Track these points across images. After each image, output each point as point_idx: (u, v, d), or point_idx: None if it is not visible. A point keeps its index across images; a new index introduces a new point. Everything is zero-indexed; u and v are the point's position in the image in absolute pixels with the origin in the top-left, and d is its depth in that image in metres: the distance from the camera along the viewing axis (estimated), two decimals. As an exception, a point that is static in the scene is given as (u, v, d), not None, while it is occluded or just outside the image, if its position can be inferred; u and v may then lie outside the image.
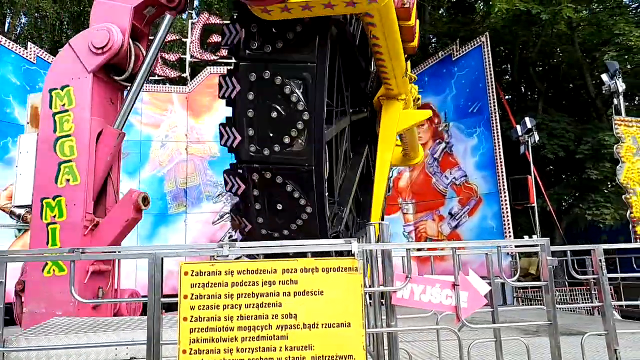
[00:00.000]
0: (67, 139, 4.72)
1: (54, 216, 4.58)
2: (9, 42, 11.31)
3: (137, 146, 12.61)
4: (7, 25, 16.35)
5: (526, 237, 10.09)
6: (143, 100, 13.00)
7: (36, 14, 15.92)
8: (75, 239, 4.58)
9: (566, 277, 11.28)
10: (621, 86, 11.59)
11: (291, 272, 2.96)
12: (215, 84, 16.40)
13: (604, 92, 12.23)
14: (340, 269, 2.97)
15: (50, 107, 4.75)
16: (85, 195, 4.67)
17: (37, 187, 4.65)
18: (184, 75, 13.91)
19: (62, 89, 4.79)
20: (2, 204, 10.63)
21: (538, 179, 12.55)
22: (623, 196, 10.83)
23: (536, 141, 12.51)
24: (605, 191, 14.66)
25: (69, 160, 4.68)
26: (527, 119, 12.32)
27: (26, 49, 11.60)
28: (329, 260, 3.06)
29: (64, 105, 4.77)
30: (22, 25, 16.34)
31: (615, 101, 11.75)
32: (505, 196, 11.39)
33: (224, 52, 14.20)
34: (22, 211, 11.02)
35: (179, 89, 13.59)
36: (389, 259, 3.49)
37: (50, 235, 4.56)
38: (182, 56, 14.26)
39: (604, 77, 11.93)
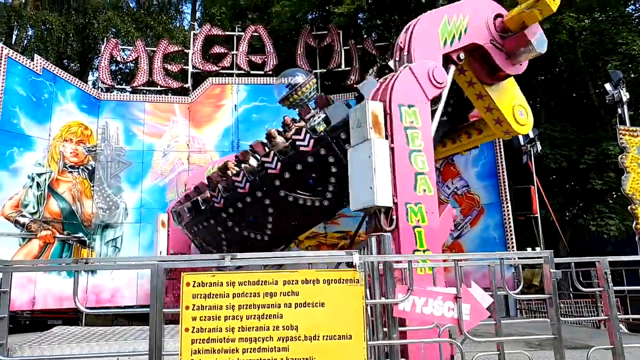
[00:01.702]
0: (419, 153, 5.33)
1: (418, 220, 5.08)
2: (16, 54, 11.42)
3: (139, 156, 12.68)
4: (14, 37, 16.60)
5: (529, 249, 9.95)
6: (145, 111, 13.12)
7: (42, 27, 16.15)
8: (436, 244, 5.16)
9: (571, 289, 11.17)
10: (625, 95, 11.51)
11: (292, 284, 2.98)
12: (217, 94, 16.21)
13: (607, 101, 12.12)
14: (342, 280, 2.98)
15: (401, 120, 5.35)
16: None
17: (400, 192, 5.11)
18: (186, 85, 14.00)
19: (409, 107, 5.44)
20: (7, 213, 10.59)
21: (541, 189, 12.50)
22: (629, 207, 10.59)
23: (538, 151, 12.39)
24: (610, 201, 14.37)
25: (423, 173, 5.26)
26: (529, 129, 12.33)
27: (33, 60, 11.70)
28: (331, 272, 3.07)
29: (412, 122, 5.40)
30: (28, 37, 16.56)
31: (619, 110, 11.60)
32: (507, 206, 11.29)
33: (225, 63, 14.34)
34: (26, 220, 10.97)
35: (181, 99, 13.67)
36: (391, 270, 3.50)
37: (417, 238, 5.04)
38: (184, 67, 14.35)
39: (607, 86, 11.81)
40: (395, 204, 5.05)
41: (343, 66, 14.39)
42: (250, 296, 2.95)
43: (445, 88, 5.86)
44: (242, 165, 8.68)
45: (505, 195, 11.29)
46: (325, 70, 14.52)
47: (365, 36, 16.72)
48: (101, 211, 12.04)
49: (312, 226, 9.71)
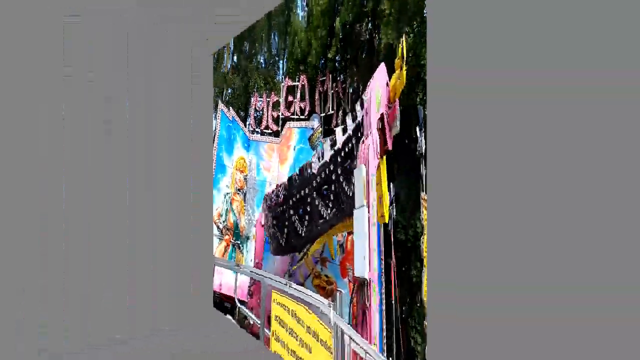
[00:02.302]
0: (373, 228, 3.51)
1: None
2: (224, 107, 13.34)
3: (261, 185, 12.89)
4: (223, 95, 20.43)
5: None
6: (265, 149, 12.84)
7: (233, 85, 17.40)
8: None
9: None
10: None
11: (304, 328, 2.75)
12: (288, 137, 15.10)
13: None
14: (323, 341, 2.63)
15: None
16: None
17: (371, 268, 3.47)
18: (278, 129, 13.48)
19: (371, 176, 4.19)
20: (215, 219, 12.21)
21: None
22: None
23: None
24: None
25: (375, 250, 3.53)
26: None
27: (229, 110, 13.54)
28: (321, 327, 2.73)
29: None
30: (228, 94, 20.19)
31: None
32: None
33: (291, 109, 13.67)
34: (221, 226, 12.49)
35: (275, 140, 12.87)
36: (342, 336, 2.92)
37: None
38: (278, 114, 13.80)
39: None
40: (370, 279, 4.43)
41: (330, 110, 13.52)
42: (289, 330, 2.82)
43: None
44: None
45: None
46: (323, 114, 13.93)
47: (338, 78, 14.34)
48: (246, 226, 12.99)
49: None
